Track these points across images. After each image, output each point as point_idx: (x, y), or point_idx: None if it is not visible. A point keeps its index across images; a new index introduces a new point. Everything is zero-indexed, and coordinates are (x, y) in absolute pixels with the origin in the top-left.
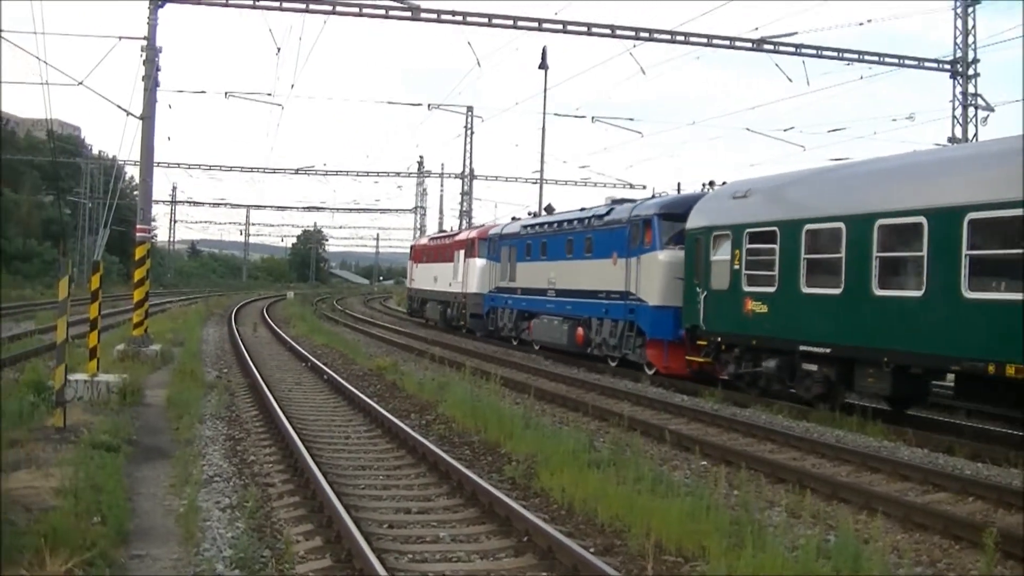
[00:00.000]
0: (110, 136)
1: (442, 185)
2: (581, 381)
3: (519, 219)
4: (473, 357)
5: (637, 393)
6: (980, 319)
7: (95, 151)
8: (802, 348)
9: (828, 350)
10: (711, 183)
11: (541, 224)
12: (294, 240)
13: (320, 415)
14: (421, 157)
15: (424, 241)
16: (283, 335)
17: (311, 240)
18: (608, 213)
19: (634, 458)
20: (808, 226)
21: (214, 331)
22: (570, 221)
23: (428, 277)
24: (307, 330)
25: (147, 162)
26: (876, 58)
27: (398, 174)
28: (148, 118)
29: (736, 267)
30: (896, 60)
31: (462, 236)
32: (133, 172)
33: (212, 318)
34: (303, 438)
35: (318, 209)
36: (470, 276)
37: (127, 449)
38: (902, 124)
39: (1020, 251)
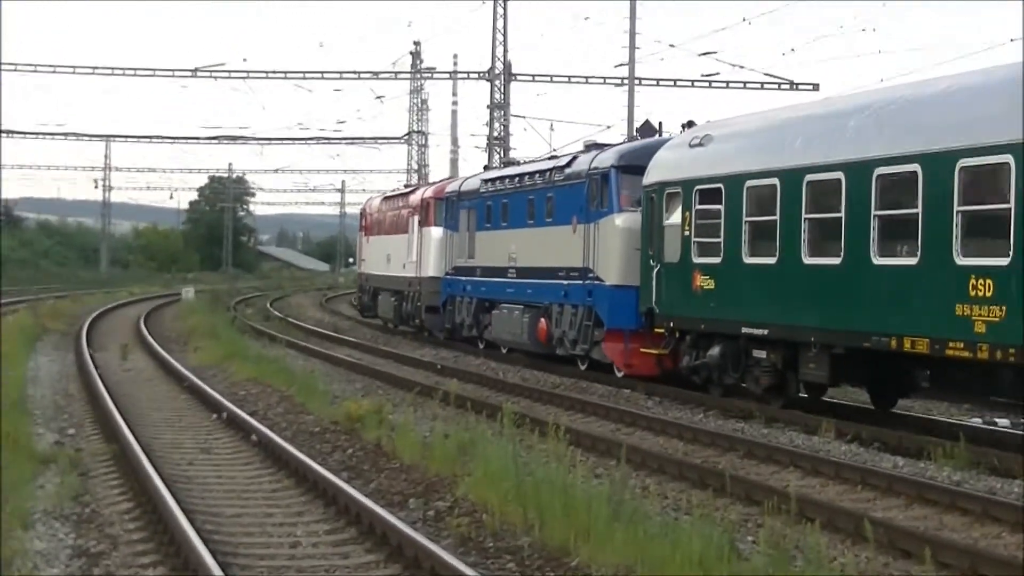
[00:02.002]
0: None
1: (455, 94)
2: (712, 434)
3: (495, 168)
4: (516, 395)
5: (813, 455)
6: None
7: None
8: (744, 331)
9: (766, 332)
10: (689, 123)
11: (503, 178)
12: (193, 198)
13: (246, 506)
14: (417, 45)
15: (376, 203)
16: (176, 365)
17: (223, 195)
18: (570, 164)
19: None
20: (749, 182)
21: (51, 361)
22: (532, 174)
23: (380, 256)
24: (220, 354)
25: None
26: None
27: (376, 75)
28: None
29: (686, 233)
30: None
31: (416, 195)
32: None
33: (48, 338)
34: (217, 549)
35: (235, 140)
36: (425, 253)
37: None
38: None
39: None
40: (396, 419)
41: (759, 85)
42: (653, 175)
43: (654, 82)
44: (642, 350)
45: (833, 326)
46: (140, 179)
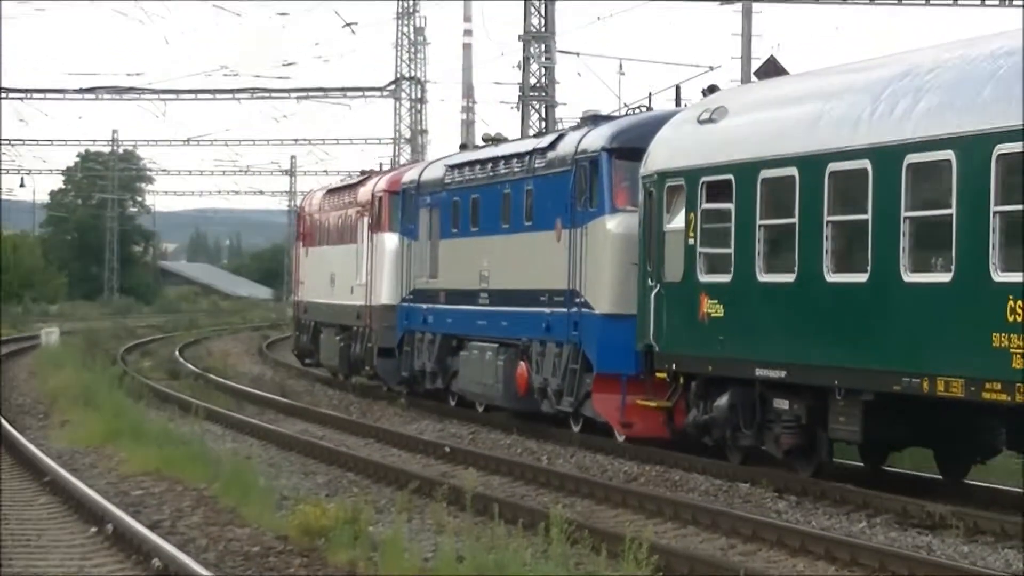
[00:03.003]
0: None
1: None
2: (881, 554)
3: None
4: (569, 492)
5: None
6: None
7: None
8: (758, 373)
9: (783, 374)
10: (711, 88)
11: (472, 164)
12: (57, 186)
13: None
14: None
15: (318, 199)
16: (32, 450)
17: (103, 180)
18: (554, 145)
19: None
20: (764, 172)
21: None
22: (508, 159)
23: (322, 277)
24: (102, 432)
25: None
26: None
27: None
28: None
29: (691, 241)
30: None
31: (366, 188)
32: None
33: None
34: None
35: (121, 93)
36: (377, 271)
37: None
38: None
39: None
40: (380, 532)
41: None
42: (652, 162)
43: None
44: (639, 402)
45: (856, 364)
46: None
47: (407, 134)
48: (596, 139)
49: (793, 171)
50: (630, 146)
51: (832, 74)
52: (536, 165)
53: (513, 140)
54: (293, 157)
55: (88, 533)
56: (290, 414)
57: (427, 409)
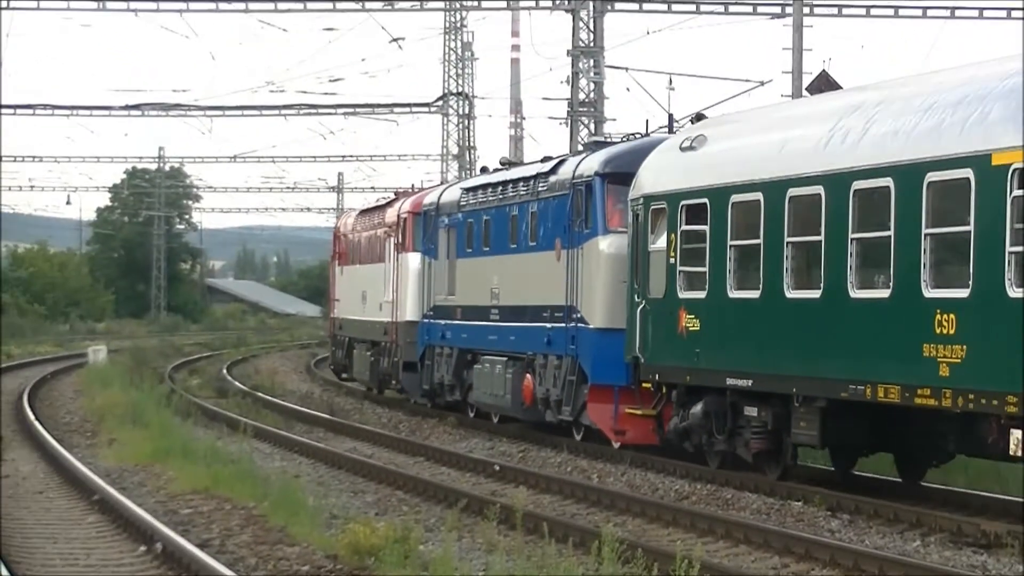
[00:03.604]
0: None
1: (516, 33)
2: (935, 573)
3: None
4: (620, 511)
5: None
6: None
7: None
8: (729, 382)
9: (750, 383)
10: (699, 116)
11: (485, 187)
12: (103, 203)
13: None
14: None
15: (351, 220)
16: (80, 468)
17: (150, 198)
18: (555, 169)
19: None
20: (734, 196)
21: None
22: (516, 183)
23: (354, 294)
24: (150, 450)
25: None
26: None
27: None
28: None
29: (671, 260)
30: None
31: (393, 210)
32: None
33: None
34: None
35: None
36: (402, 289)
37: None
38: None
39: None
40: (431, 551)
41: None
42: (639, 186)
43: (835, 10)
44: (627, 411)
45: (811, 373)
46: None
47: (455, 150)
48: (591, 164)
49: (759, 196)
50: (622, 171)
51: (797, 106)
52: (539, 189)
53: (522, 164)
54: (340, 174)
55: (137, 552)
56: (339, 432)
57: (477, 427)
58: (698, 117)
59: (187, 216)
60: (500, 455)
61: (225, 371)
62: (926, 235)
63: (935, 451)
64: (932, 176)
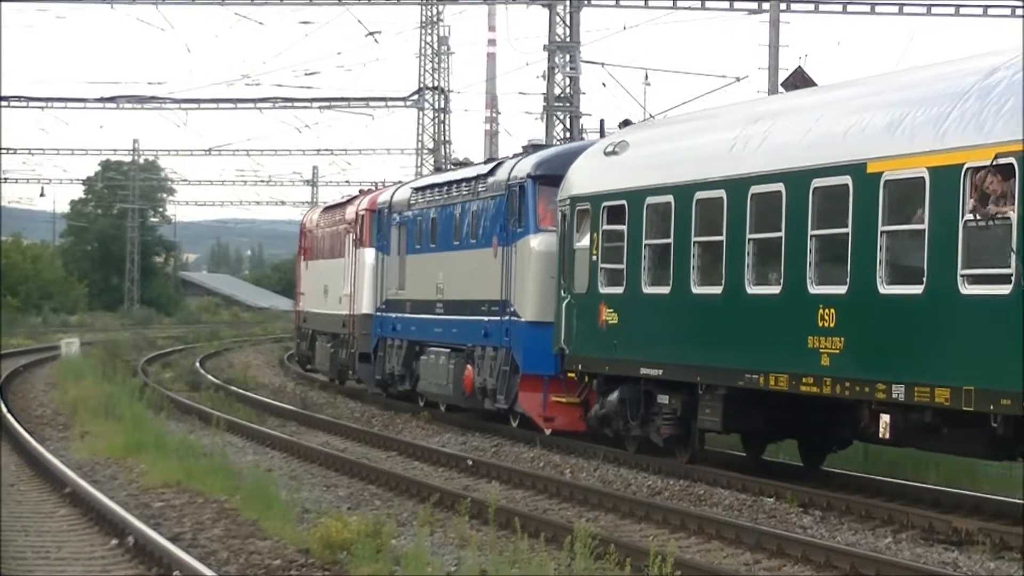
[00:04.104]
0: None
1: (492, 27)
2: (908, 569)
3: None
4: (592, 507)
5: None
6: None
7: None
8: (643, 372)
9: (661, 372)
10: (625, 122)
11: (432, 187)
12: (77, 195)
13: None
14: None
15: (316, 216)
16: (52, 461)
17: (124, 190)
18: (494, 171)
19: None
20: (649, 199)
21: None
22: (459, 183)
23: (317, 288)
24: (122, 443)
25: None
26: None
27: None
28: None
29: (594, 258)
30: None
31: (352, 208)
32: None
33: None
34: None
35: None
36: (359, 283)
37: None
38: None
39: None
40: (403, 545)
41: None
42: (567, 188)
43: (812, 6)
44: (553, 399)
45: (713, 363)
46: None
47: (430, 144)
48: (524, 167)
49: (670, 198)
50: (552, 173)
51: (711, 114)
52: (479, 189)
53: (467, 166)
54: (315, 167)
55: (109, 545)
56: (311, 426)
57: (449, 422)
58: (625, 123)
59: (161, 209)
60: (473, 450)
61: (198, 364)
62: (811, 236)
63: (831, 437)
64: (817, 182)
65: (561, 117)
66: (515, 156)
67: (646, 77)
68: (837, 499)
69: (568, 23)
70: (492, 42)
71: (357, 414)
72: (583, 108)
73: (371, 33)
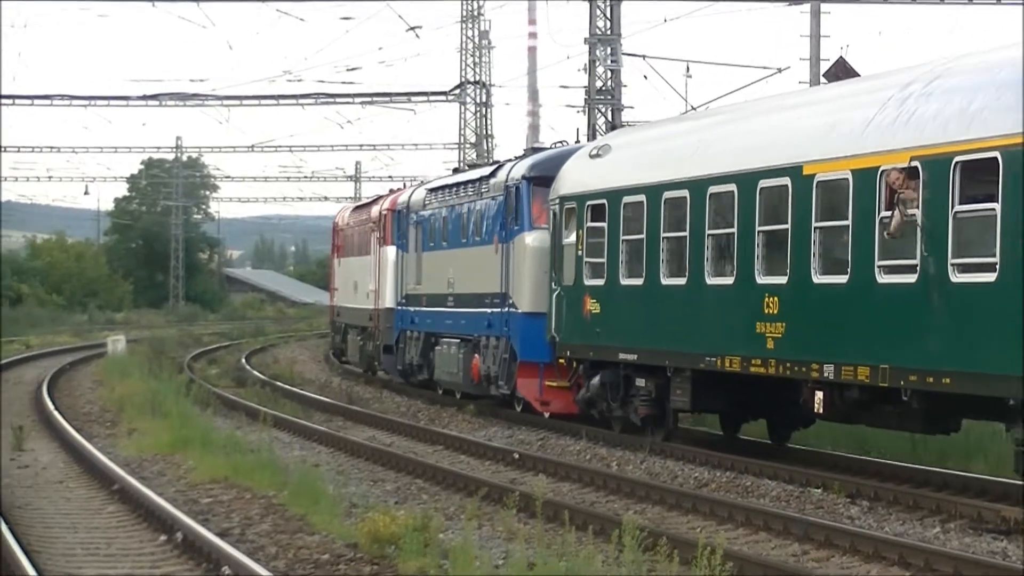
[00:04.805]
0: None
1: (533, 21)
2: (956, 560)
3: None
4: (640, 499)
5: None
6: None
7: None
8: (621, 357)
9: (635, 357)
10: (613, 126)
11: (444, 188)
12: (121, 193)
13: None
14: None
15: (347, 215)
16: (100, 458)
17: (168, 188)
18: (495, 173)
19: None
20: (626, 198)
21: None
22: (466, 184)
23: (348, 283)
24: (169, 440)
25: None
26: None
27: None
28: None
29: (579, 253)
30: None
31: (377, 207)
32: None
33: None
34: None
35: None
36: (382, 279)
37: None
38: None
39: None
40: (450, 539)
41: None
42: (556, 188)
43: None
44: (546, 383)
45: (679, 348)
46: (37, 164)
47: (472, 138)
48: (520, 169)
49: (643, 198)
50: (546, 175)
51: (677, 122)
52: (483, 190)
53: (475, 168)
54: (358, 163)
55: (157, 541)
56: (358, 421)
57: (496, 416)
58: (612, 127)
59: (204, 206)
60: (519, 443)
61: (244, 360)
62: (759, 232)
63: (793, 415)
64: (763, 183)
65: (603, 110)
66: (515, 159)
67: (687, 69)
68: (885, 489)
69: (609, 16)
70: (533, 36)
71: (403, 409)
72: (625, 101)
73: (412, 28)
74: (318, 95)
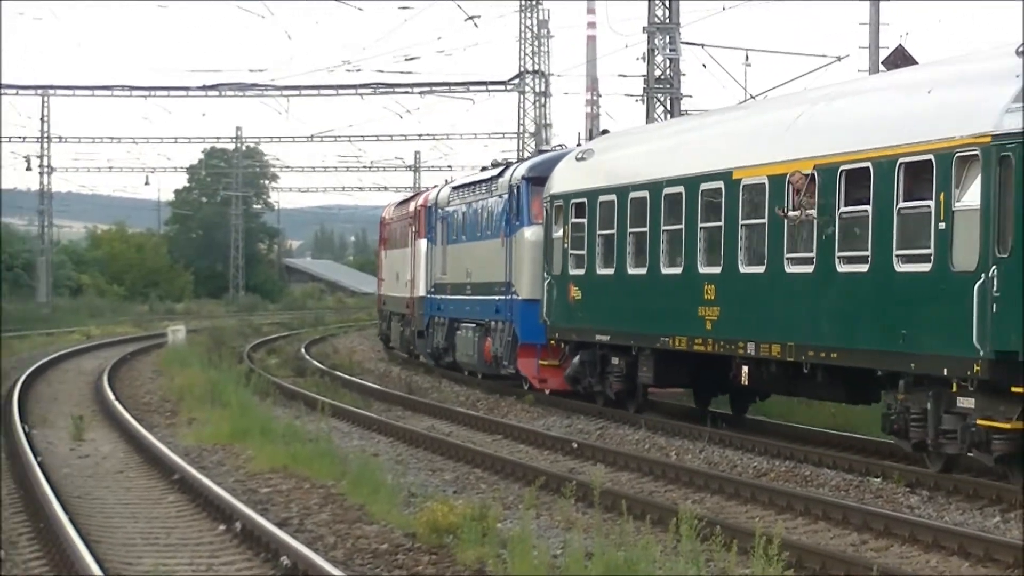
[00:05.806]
0: None
1: (591, 11)
2: (1020, 550)
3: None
4: (698, 488)
5: None
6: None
7: None
8: (597, 338)
9: (608, 337)
10: (604, 132)
11: (465, 186)
12: (181, 184)
13: None
14: None
15: (391, 210)
16: (160, 448)
17: (228, 178)
18: (503, 173)
19: None
20: (601, 197)
21: None
22: (481, 183)
23: (392, 274)
24: (229, 430)
25: None
26: None
27: None
28: None
29: (565, 245)
30: None
31: (413, 203)
32: None
33: None
34: None
35: (245, 90)
36: (416, 269)
37: None
38: None
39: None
40: (509, 529)
41: None
42: (549, 187)
43: None
44: (540, 362)
45: (641, 330)
46: (98, 155)
47: (531, 128)
48: (520, 170)
49: (614, 197)
50: (543, 176)
51: (646, 131)
52: (493, 189)
53: (490, 168)
54: (417, 152)
55: (217, 531)
56: (416, 410)
57: (554, 405)
58: (603, 132)
59: (264, 196)
60: (578, 433)
61: (303, 350)
62: (700, 228)
63: (750, 389)
64: (703, 186)
65: (662, 99)
66: (521, 161)
67: (746, 58)
68: (944, 478)
69: (667, 5)
70: (592, 25)
71: (462, 398)
72: (683, 90)
73: (471, 17)
74: (377, 85)
